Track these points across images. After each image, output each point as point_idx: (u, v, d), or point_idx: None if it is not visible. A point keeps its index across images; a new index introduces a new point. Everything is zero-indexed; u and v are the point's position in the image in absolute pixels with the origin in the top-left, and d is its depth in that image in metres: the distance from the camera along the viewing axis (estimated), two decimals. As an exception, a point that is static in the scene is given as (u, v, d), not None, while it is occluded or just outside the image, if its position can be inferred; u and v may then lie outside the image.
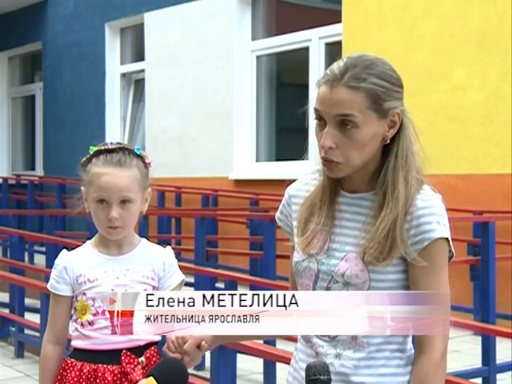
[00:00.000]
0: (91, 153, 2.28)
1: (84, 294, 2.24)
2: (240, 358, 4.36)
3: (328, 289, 1.89)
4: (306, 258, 1.94)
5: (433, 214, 1.84)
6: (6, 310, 6.93)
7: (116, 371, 2.19)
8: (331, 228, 1.93)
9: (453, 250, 1.88)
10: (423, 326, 1.82)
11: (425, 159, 1.92)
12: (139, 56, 11.47)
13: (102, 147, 2.27)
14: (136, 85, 11.81)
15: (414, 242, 1.83)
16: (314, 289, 1.92)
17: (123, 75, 11.87)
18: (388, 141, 1.88)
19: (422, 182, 1.89)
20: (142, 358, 2.20)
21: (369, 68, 1.85)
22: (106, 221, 2.21)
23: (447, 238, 1.85)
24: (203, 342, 2.00)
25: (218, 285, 7.30)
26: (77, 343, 2.25)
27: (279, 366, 4.36)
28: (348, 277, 1.85)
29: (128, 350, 2.20)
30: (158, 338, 2.26)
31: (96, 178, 2.23)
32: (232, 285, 5.49)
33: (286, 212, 2.05)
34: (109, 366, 2.20)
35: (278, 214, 2.08)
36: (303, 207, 1.98)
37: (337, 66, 1.86)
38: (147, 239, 2.39)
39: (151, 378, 1.95)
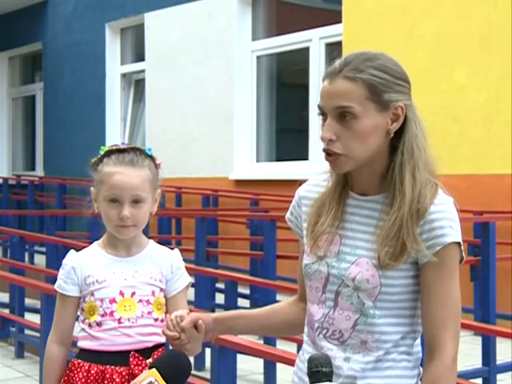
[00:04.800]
0: (102, 153, 2.26)
1: (92, 294, 2.22)
2: (240, 358, 4.35)
3: (338, 292, 1.88)
4: (316, 260, 1.92)
5: (445, 219, 1.82)
6: (6, 311, 6.92)
7: (124, 373, 2.18)
8: (342, 231, 1.91)
9: (463, 253, 1.88)
10: (434, 329, 1.83)
11: (437, 159, 1.90)
12: (139, 56, 11.47)
13: (114, 147, 2.26)
14: (136, 85, 11.81)
15: (426, 246, 1.82)
16: (323, 292, 1.91)
17: (123, 75, 11.87)
18: (392, 134, 1.85)
19: (434, 184, 1.87)
20: (150, 360, 2.18)
21: (369, 60, 1.84)
22: (118, 219, 2.20)
23: (459, 243, 1.85)
24: (200, 321, 1.98)
25: (218, 285, 7.30)
26: (84, 344, 2.23)
27: (279, 366, 4.36)
28: (359, 281, 1.84)
29: (136, 351, 2.19)
30: (164, 340, 2.24)
31: (108, 177, 2.21)
32: (232, 285, 5.50)
33: (296, 213, 2.04)
34: (117, 368, 2.18)
35: (288, 215, 2.07)
36: (313, 209, 1.96)
37: (338, 60, 1.87)
38: (148, 240, 2.38)
39: (154, 369, 1.95)
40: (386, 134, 1.85)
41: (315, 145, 8.69)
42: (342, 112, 1.82)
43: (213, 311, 6.66)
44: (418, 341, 1.90)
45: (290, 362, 3.54)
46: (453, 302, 1.84)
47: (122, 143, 2.28)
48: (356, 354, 1.86)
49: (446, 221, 1.82)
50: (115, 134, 11.60)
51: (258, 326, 2.12)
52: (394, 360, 1.86)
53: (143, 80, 11.27)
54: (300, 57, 9.36)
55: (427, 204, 1.83)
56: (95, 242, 2.33)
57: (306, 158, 9.02)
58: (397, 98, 1.84)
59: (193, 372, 5.11)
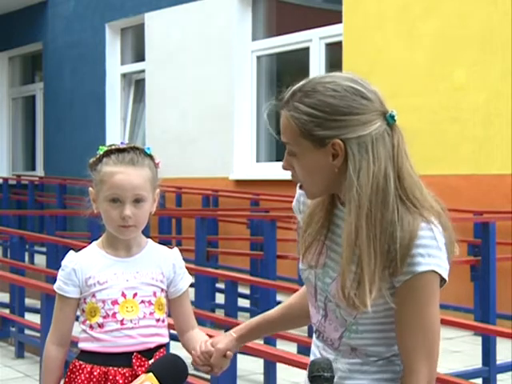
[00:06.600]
0: (101, 152, 2.22)
1: (93, 296, 2.20)
2: (240, 358, 4.35)
3: (325, 304, 1.88)
4: (307, 268, 1.92)
5: (417, 247, 1.72)
6: (7, 311, 6.93)
7: (127, 374, 2.16)
8: (329, 242, 1.88)
9: (445, 276, 1.75)
10: (405, 356, 1.78)
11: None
12: (140, 56, 11.48)
13: (113, 147, 2.23)
14: (136, 85, 11.82)
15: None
16: (316, 299, 1.91)
17: (124, 75, 11.87)
18: (336, 170, 1.77)
19: (417, 214, 1.75)
20: (152, 361, 2.16)
21: (306, 96, 1.78)
22: (119, 220, 2.17)
23: (434, 270, 1.73)
24: (228, 352, 2.11)
25: (218, 285, 7.30)
26: (85, 345, 2.21)
27: (279, 366, 4.36)
28: (338, 299, 1.81)
29: (138, 352, 2.18)
30: (166, 340, 2.24)
31: (109, 176, 2.17)
32: (232, 285, 5.50)
33: (298, 205, 2.03)
34: (119, 369, 2.16)
35: (294, 203, 2.04)
36: (307, 211, 1.94)
37: (289, 89, 1.83)
38: (148, 240, 2.37)
39: (151, 373, 1.95)
40: (334, 167, 1.78)
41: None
42: (287, 146, 1.83)
43: (213, 311, 6.66)
44: None
45: (290, 362, 3.53)
46: (425, 331, 1.76)
47: (122, 143, 2.26)
48: (345, 358, 1.87)
49: (418, 249, 1.72)
50: (115, 134, 11.60)
51: (283, 324, 2.19)
52: (383, 365, 1.85)
53: (143, 80, 11.27)
54: (300, 57, 9.36)
55: (409, 233, 1.72)
56: (94, 242, 2.30)
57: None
58: (332, 135, 1.75)
59: (193, 372, 5.11)
